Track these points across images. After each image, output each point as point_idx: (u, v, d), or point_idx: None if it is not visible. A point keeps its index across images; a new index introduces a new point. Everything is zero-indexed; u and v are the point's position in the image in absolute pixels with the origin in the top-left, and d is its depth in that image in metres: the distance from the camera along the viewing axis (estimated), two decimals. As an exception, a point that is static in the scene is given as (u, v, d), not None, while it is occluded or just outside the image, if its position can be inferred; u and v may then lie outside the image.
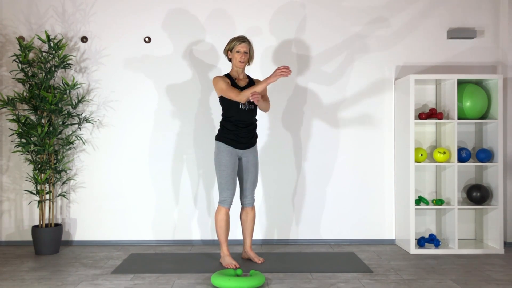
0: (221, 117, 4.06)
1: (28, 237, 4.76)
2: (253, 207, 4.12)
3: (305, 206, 4.82)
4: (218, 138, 4.02)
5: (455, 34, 4.79)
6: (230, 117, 3.98)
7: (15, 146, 4.53)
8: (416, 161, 4.54)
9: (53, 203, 4.55)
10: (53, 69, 4.51)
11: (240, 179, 4.11)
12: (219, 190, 3.99)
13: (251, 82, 4.09)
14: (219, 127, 4.10)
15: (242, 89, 4.00)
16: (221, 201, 3.98)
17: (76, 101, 4.66)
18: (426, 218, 4.82)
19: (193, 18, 4.81)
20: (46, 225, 4.57)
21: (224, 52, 4.09)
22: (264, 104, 4.01)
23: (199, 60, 4.80)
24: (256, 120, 4.10)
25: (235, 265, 3.90)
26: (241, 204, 4.14)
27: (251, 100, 3.81)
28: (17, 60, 4.52)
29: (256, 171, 4.08)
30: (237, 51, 3.98)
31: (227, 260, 3.96)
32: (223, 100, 4.00)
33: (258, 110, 4.57)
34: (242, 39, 3.98)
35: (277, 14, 4.80)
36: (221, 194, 3.98)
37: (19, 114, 4.54)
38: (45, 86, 4.45)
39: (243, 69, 4.06)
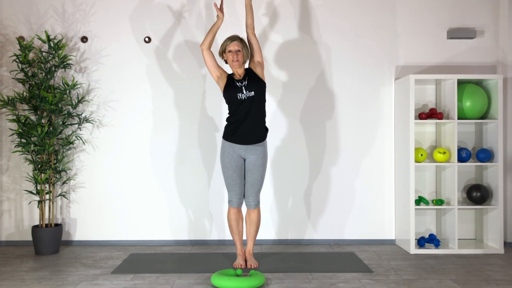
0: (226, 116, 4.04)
1: (28, 237, 4.76)
2: (255, 209, 4.02)
3: (305, 206, 4.82)
4: (223, 135, 4.01)
5: (455, 34, 4.79)
6: (232, 110, 3.92)
7: (15, 146, 4.53)
8: (416, 161, 4.53)
9: (53, 203, 4.55)
10: (53, 69, 4.51)
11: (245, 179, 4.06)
12: (227, 190, 4.05)
13: (250, 73, 3.95)
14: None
15: (240, 82, 3.90)
16: (228, 201, 4.03)
17: (76, 101, 4.66)
18: (426, 218, 4.82)
19: (195, 18, 4.80)
20: (46, 225, 4.56)
21: (219, 56, 4.01)
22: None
23: (200, 59, 4.79)
24: (261, 111, 3.94)
25: (240, 265, 3.92)
26: (245, 204, 4.09)
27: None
28: (17, 60, 4.51)
29: (258, 173, 3.95)
30: (229, 51, 3.89)
31: (237, 259, 4.00)
32: (224, 95, 3.94)
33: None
34: (233, 38, 3.90)
35: (275, 11, 4.80)
36: (228, 194, 4.03)
37: (19, 114, 4.54)
38: (45, 86, 4.45)
39: (240, 67, 3.93)
